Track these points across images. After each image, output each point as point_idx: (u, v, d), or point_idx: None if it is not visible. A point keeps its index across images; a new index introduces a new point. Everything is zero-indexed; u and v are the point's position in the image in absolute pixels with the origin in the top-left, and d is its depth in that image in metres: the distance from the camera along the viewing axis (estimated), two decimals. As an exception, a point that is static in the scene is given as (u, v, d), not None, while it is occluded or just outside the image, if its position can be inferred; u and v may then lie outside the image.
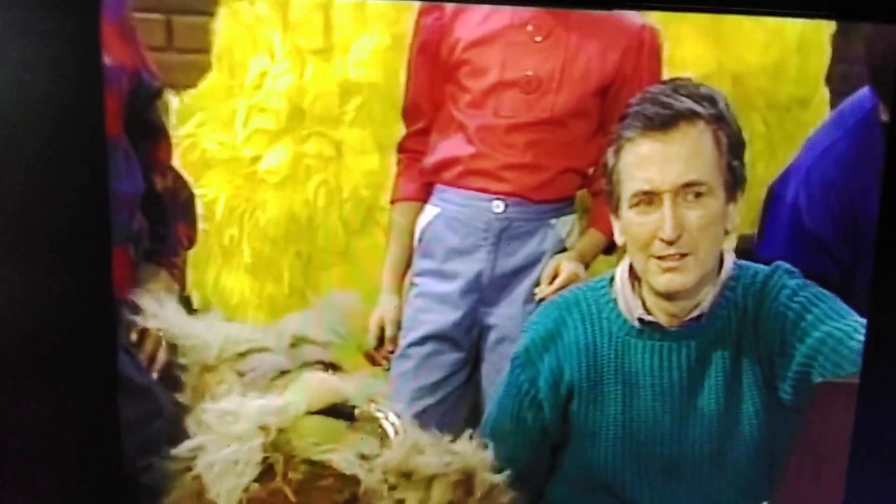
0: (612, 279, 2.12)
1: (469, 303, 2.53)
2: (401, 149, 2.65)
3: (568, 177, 2.55)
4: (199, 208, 2.55)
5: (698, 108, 1.96)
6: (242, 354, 1.82)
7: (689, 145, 1.96)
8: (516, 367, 2.17)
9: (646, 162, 1.98)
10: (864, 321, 1.85)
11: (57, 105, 1.52)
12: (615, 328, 2.07)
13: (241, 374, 1.81)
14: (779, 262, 2.07)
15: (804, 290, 2.00)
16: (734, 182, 2.00)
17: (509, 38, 2.48)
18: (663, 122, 1.96)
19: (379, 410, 1.84)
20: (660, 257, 1.99)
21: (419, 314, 2.57)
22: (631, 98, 2.25)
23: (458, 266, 2.53)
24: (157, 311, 2.00)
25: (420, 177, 2.61)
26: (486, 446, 1.96)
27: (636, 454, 2.07)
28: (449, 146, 2.55)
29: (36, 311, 1.57)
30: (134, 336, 2.21)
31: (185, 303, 2.45)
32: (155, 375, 2.28)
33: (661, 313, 2.04)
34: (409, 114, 2.62)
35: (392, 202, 2.65)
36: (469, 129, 2.51)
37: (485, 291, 2.53)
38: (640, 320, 2.05)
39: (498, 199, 2.51)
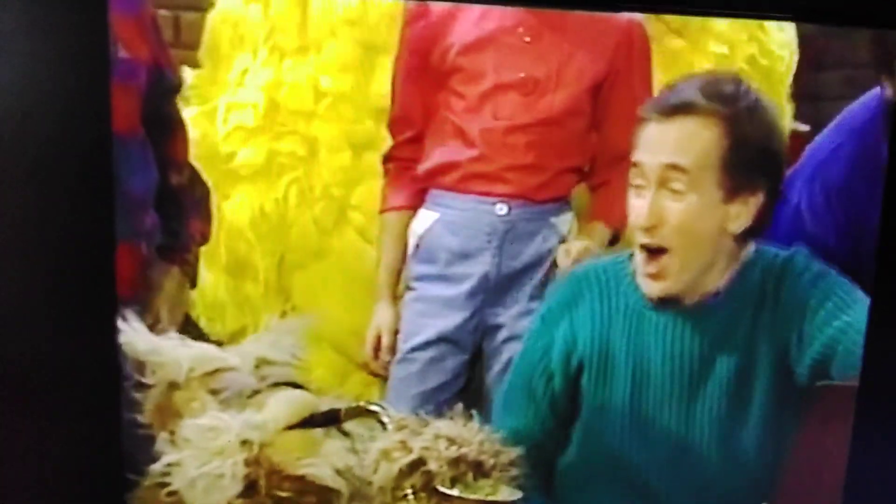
0: (631, 254, 2.09)
1: (475, 305, 2.49)
2: (389, 158, 2.59)
3: (566, 175, 2.52)
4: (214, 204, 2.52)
5: (704, 104, 1.97)
6: (211, 373, 1.77)
7: (684, 134, 1.98)
8: (533, 335, 2.18)
9: (646, 141, 2.01)
10: None
11: (64, 100, 1.52)
12: (631, 301, 2.07)
13: (213, 393, 1.76)
14: (799, 247, 2.06)
15: (825, 277, 2.00)
16: (737, 184, 1.97)
17: (502, 42, 2.45)
18: (668, 109, 1.99)
19: (372, 404, 1.81)
20: (643, 253, 2.01)
21: (421, 318, 2.52)
22: (622, 94, 2.41)
23: (462, 269, 2.50)
24: (122, 327, 1.98)
25: (412, 184, 2.56)
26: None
27: (645, 431, 2.06)
28: (446, 152, 2.51)
29: (39, 308, 1.58)
30: None
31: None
32: None
33: None
34: (397, 123, 2.57)
35: (382, 212, 2.60)
36: (469, 133, 2.47)
37: (490, 293, 2.49)
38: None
39: (501, 201, 2.48)
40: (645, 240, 2.00)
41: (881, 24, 1.87)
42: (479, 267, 2.50)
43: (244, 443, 1.67)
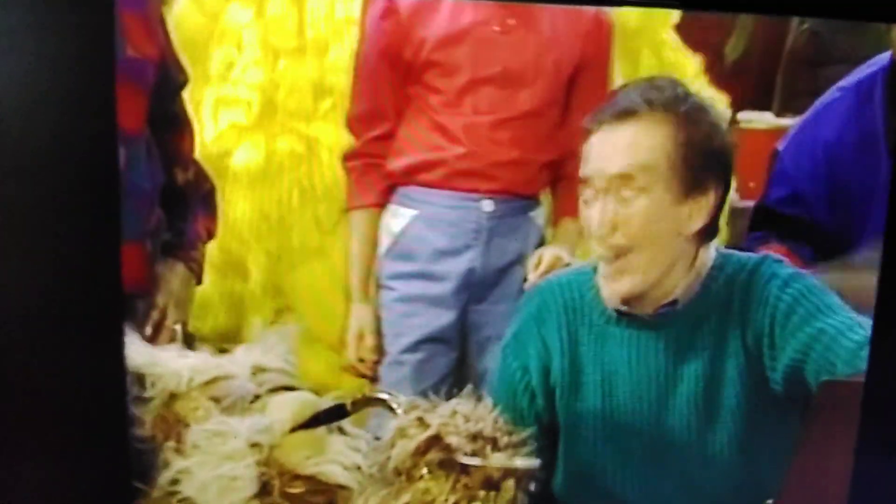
0: (596, 267, 2.06)
1: (461, 302, 2.49)
2: (355, 155, 2.57)
3: (546, 170, 2.55)
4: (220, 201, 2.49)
5: (646, 110, 1.96)
6: (211, 382, 1.77)
7: (631, 139, 1.96)
8: (507, 354, 2.12)
9: (594, 151, 1.98)
10: (858, 318, 1.86)
11: (70, 98, 1.51)
12: (595, 315, 2.04)
13: (215, 400, 1.76)
14: (767, 253, 2.04)
15: (796, 282, 1.97)
16: (687, 184, 1.96)
17: (476, 35, 2.45)
18: (614, 114, 1.96)
19: (381, 392, 1.80)
20: (606, 256, 1.98)
21: (406, 319, 2.52)
22: (593, 82, 2.48)
23: (446, 266, 2.50)
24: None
25: (382, 181, 2.54)
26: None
27: (617, 443, 2.04)
28: (426, 148, 2.50)
29: (44, 308, 1.56)
30: (149, 330, 2.22)
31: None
32: None
33: (635, 304, 2.01)
34: (366, 120, 2.55)
35: (349, 210, 2.58)
36: (451, 129, 2.47)
37: (475, 289, 2.49)
38: (618, 311, 2.01)
39: (488, 197, 2.49)
40: (603, 248, 1.99)
41: (881, 18, 1.87)
42: (464, 264, 2.50)
43: (253, 445, 1.68)
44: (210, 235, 2.43)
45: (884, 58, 2.26)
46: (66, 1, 1.49)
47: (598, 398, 2.05)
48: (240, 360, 1.86)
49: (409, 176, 2.53)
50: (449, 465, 1.67)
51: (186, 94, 2.38)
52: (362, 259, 2.58)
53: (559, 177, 2.58)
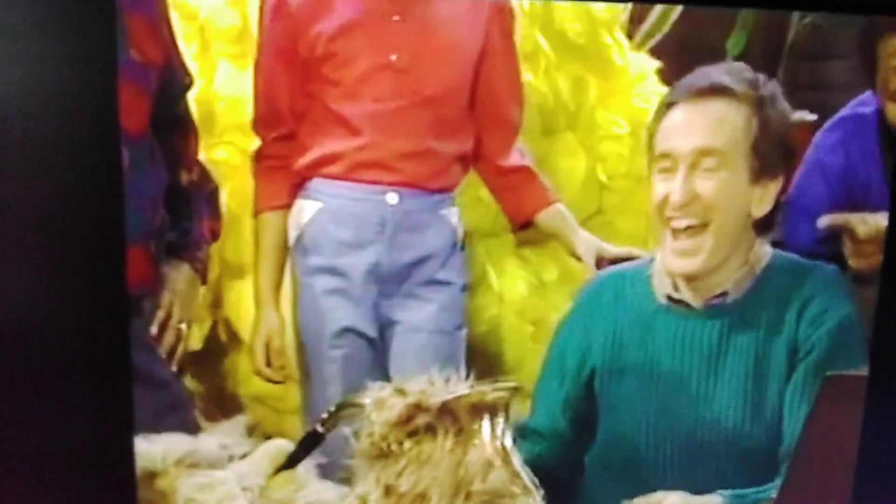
0: (653, 259, 2.11)
1: (371, 296, 2.49)
2: (260, 157, 2.55)
3: (456, 165, 2.56)
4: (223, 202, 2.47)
5: (734, 86, 1.98)
6: (184, 457, 1.77)
7: (715, 116, 1.98)
8: (555, 334, 2.19)
9: (675, 127, 2.00)
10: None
11: (72, 99, 1.51)
12: (645, 304, 2.07)
13: (193, 466, 1.76)
14: (833, 265, 2.09)
15: (849, 299, 2.02)
16: (762, 166, 1.99)
17: (372, 23, 2.43)
18: (699, 90, 1.99)
19: (350, 398, 1.78)
20: (674, 232, 1.99)
21: (322, 313, 2.50)
22: (502, 70, 2.54)
23: (351, 259, 2.48)
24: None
25: (287, 180, 2.52)
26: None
27: (655, 431, 2.06)
28: (330, 141, 2.48)
29: (48, 308, 1.56)
30: (154, 329, 2.24)
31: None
32: (174, 368, 2.29)
33: (687, 292, 2.03)
34: (265, 122, 2.53)
35: (258, 213, 2.56)
36: (353, 121, 2.45)
37: (384, 284, 2.49)
38: (669, 297, 2.04)
39: (392, 190, 2.47)
40: (680, 220, 2.00)
41: (883, 11, 1.89)
42: (370, 257, 2.49)
43: (244, 489, 1.70)
44: (215, 236, 2.44)
45: (869, 99, 2.41)
46: (69, 1, 1.49)
47: (641, 386, 2.08)
48: (204, 441, 1.88)
49: (313, 170, 2.51)
50: (433, 429, 1.64)
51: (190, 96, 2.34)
52: (273, 262, 2.57)
53: (499, 172, 2.63)
